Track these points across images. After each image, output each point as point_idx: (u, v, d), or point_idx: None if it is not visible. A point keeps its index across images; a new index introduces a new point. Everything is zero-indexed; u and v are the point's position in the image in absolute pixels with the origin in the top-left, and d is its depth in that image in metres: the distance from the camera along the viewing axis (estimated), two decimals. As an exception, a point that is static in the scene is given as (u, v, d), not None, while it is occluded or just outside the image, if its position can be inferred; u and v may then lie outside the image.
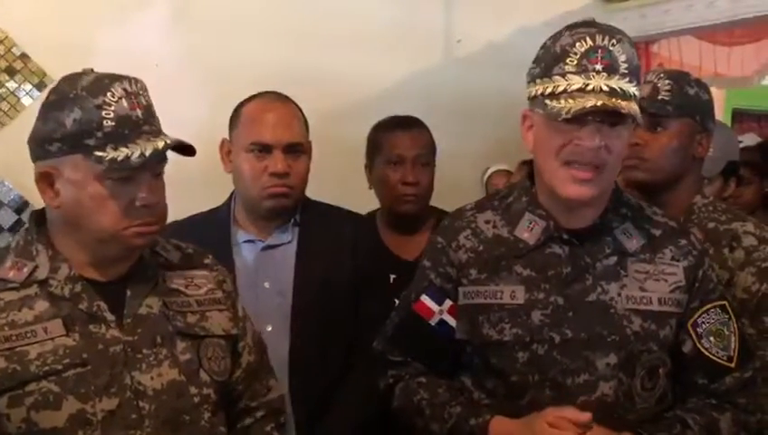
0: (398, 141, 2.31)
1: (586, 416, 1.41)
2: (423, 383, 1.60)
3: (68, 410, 1.32)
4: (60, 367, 1.32)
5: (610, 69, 1.41)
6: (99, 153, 1.32)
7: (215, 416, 1.47)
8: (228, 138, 1.99)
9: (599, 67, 1.41)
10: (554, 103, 1.41)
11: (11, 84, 2.57)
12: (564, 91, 1.42)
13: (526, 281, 1.52)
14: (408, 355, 1.64)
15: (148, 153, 1.33)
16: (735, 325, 1.56)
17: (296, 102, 2.00)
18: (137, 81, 1.39)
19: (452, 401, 1.55)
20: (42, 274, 1.37)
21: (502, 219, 1.59)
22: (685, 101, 1.87)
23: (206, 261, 1.57)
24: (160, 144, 1.35)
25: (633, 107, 1.40)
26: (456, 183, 3.00)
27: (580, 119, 1.41)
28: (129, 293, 1.42)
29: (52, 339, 1.33)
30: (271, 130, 1.90)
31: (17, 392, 1.31)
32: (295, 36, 2.83)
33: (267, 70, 2.55)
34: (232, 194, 2.02)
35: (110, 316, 1.38)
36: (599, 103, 1.37)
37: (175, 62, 2.68)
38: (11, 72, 2.56)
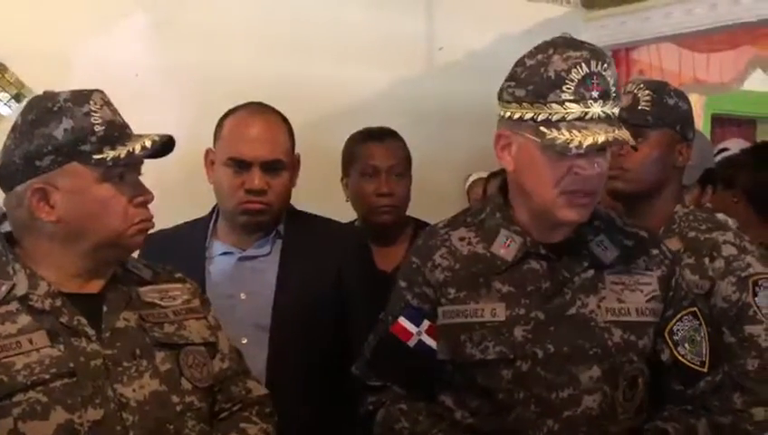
0: (371, 153, 2.32)
1: None
2: (404, 410, 1.57)
3: (56, 421, 1.32)
4: (47, 377, 1.33)
5: (605, 95, 1.43)
6: (98, 156, 1.38)
7: (200, 423, 1.47)
8: (213, 148, 1.96)
9: (595, 94, 1.42)
10: (555, 133, 1.41)
11: (-11, 94, 2.55)
12: (563, 119, 1.42)
13: (506, 297, 1.51)
14: (386, 379, 1.61)
15: (149, 144, 1.40)
16: (705, 330, 1.60)
17: (282, 113, 1.96)
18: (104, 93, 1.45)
19: (433, 428, 1.52)
20: (20, 290, 1.38)
21: (476, 236, 1.58)
22: (665, 112, 1.88)
23: (177, 275, 1.61)
24: (156, 137, 1.41)
25: (627, 133, 1.44)
26: (438, 191, 3.01)
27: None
28: (105, 308, 1.44)
29: (37, 350, 1.34)
30: (249, 146, 1.86)
31: (4, 403, 1.30)
32: (278, 46, 2.82)
33: (249, 80, 2.54)
34: (215, 206, 1.99)
35: (90, 330, 1.40)
36: (610, 138, 1.40)
37: (156, 73, 2.66)
38: (-11, 82, 2.53)
